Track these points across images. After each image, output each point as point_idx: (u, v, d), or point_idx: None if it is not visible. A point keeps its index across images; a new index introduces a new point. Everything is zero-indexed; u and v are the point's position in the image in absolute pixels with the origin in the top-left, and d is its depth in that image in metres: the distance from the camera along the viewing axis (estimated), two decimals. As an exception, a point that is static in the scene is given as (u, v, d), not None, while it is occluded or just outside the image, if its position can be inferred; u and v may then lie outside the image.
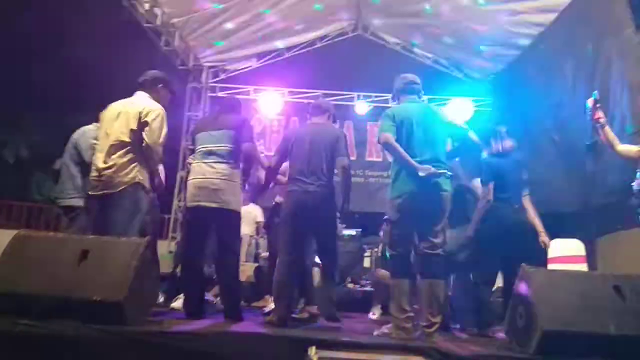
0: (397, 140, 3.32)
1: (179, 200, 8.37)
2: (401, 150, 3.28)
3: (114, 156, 3.51)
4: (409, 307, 3.20)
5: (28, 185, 12.55)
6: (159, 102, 3.75)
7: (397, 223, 3.35)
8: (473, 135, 3.62)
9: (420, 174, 3.19)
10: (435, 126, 3.43)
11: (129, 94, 3.82)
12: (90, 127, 4.33)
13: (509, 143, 4.00)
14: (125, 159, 3.53)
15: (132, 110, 3.60)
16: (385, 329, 3.39)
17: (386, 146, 3.38)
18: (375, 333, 3.35)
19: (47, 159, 5.34)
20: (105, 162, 3.50)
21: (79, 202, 4.16)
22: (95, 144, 3.77)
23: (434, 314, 3.16)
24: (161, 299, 4.79)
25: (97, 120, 4.11)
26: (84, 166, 4.15)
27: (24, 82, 11.36)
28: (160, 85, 3.86)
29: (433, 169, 3.22)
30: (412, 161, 3.24)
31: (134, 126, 3.55)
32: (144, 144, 3.56)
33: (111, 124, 3.59)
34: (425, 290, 3.25)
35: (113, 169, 3.49)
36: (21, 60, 11.08)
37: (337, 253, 3.93)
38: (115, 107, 3.68)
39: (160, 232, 8.76)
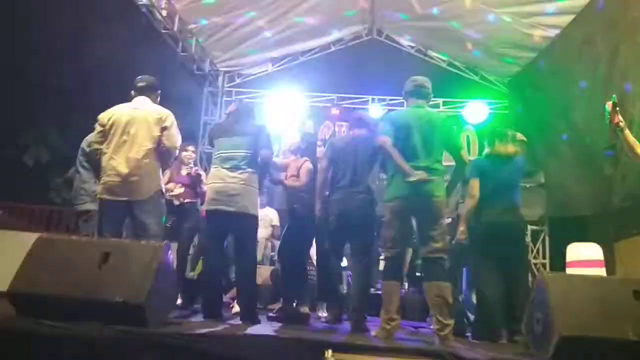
0: (394, 145, 3.40)
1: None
2: (396, 154, 3.36)
3: (140, 162, 3.58)
4: (394, 308, 3.30)
5: (48, 189, 12.76)
6: None
7: (389, 225, 3.44)
8: (465, 154, 3.65)
9: (411, 179, 3.26)
10: (434, 134, 3.46)
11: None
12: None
13: (512, 148, 3.93)
14: (151, 166, 3.63)
15: (151, 117, 3.67)
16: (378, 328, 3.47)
17: (382, 149, 3.47)
18: (373, 334, 3.40)
19: (67, 163, 5.45)
20: (129, 168, 3.55)
21: (92, 206, 4.25)
22: (98, 148, 3.73)
23: (445, 316, 3.19)
24: (179, 300, 4.87)
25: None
26: (95, 171, 4.24)
27: (45, 87, 11.57)
28: (159, 91, 3.95)
29: (424, 175, 3.27)
30: (406, 166, 3.32)
31: (157, 132, 3.64)
32: (163, 149, 3.67)
33: (127, 129, 3.63)
34: (432, 293, 3.29)
35: (139, 176, 3.57)
36: (41, 66, 11.28)
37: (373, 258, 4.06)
38: (125, 112, 3.71)
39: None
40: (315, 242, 4.55)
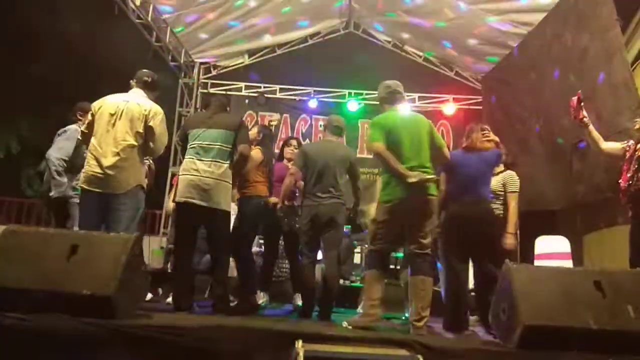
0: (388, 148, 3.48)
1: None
2: (392, 159, 3.43)
3: (120, 156, 3.54)
4: (376, 297, 3.37)
5: (18, 181, 12.49)
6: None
7: (383, 224, 3.50)
8: (446, 152, 3.74)
9: (411, 180, 3.33)
10: (420, 134, 3.57)
11: (118, 88, 3.83)
12: (72, 127, 4.36)
13: (485, 143, 3.99)
14: (131, 161, 3.59)
15: (137, 111, 3.62)
16: (356, 317, 3.51)
17: (378, 155, 3.54)
18: (344, 324, 3.43)
19: (38, 153, 5.34)
20: (110, 161, 3.52)
21: (64, 194, 4.20)
22: (88, 136, 3.69)
23: (425, 309, 3.31)
24: (150, 295, 4.84)
25: (82, 110, 4.13)
26: (67, 162, 4.24)
27: (13, 77, 11.28)
28: (157, 92, 3.92)
29: (423, 175, 3.36)
30: (403, 169, 3.39)
31: (140, 129, 3.61)
32: (150, 148, 3.69)
33: (111, 121, 3.59)
34: (416, 287, 3.40)
35: (119, 169, 3.53)
36: (9, 56, 10.99)
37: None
38: (113, 103, 3.66)
39: (152, 227, 8.79)
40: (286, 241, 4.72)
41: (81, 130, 3.80)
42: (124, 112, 3.60)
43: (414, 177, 3.33)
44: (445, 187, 3.88)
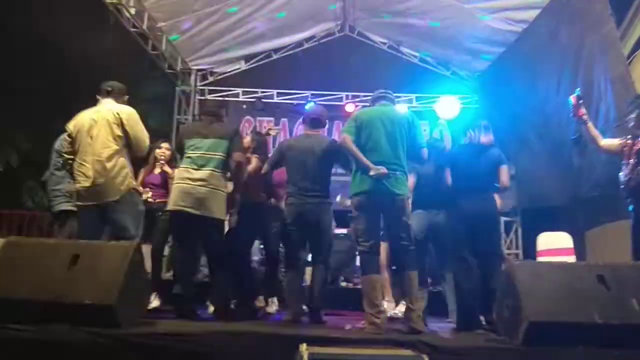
0: (359, 141, 3.51)
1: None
2: (355, 150, 3.47)
3: (105, 164, 3.55)
4: (379, 301, 3.35)
5: (19, 194, 12.48)
6: None
7: (357, 219, 3.54)
8: (423, 152, 3.69)
9: (370, 173, 3.36)
10: (397, 128, 3.54)
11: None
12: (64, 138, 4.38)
13: (485, 137, 3.98)
14: (117, 166, 3.59)
15: (110, 116, 3.65)
16: (359, 324, 3.49)
17: (343, 147, 3.58)
18: (347, 327, 3.41)
19: (38, 166, 5.34)
20: (95, 171, 3.52)
21: (67, 206, 4.21)
22: (69, 158, 3.71)
23: (413, 301, 3.34)
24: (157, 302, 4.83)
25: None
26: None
27: (10, 90, 11.28)
28: (127, 97, 3.95)
29: (383, 170, 3.35)
30: (365, 161, 3.42)
31: (119, 132, 3.64)
32: (133, 148, 3.70)
33: (90, 133, 3.61)
34: (403, 282, 3.44)
35: (106, 177, 3.53)
36: (6, 68, 11.00)
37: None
38: (86, 117, 3.70)
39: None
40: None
41: (64, 154, 3.79)
42: (98, 122, 3.63)
43: (373, 170, 3.36)
44: (451, 182, 3.88)
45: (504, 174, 3.91)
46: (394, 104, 3.82)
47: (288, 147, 4.13)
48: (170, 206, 3.82)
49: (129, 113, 3.72)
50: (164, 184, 4.82)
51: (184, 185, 3.74)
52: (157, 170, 4.90)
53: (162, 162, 4.83)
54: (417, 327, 3.21)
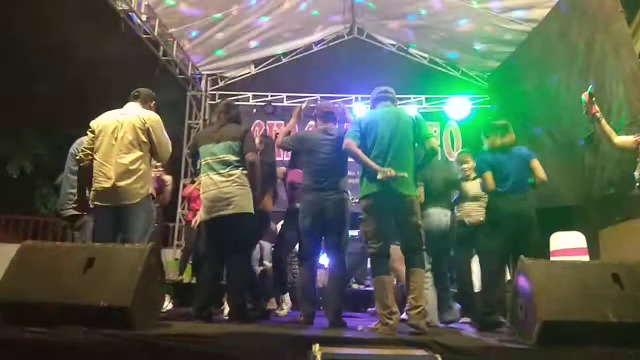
0: (364, 145, 3.50)
1: (183, 208, 8.43)
2: (361, 154, 3.46)
3: (128, 168, 3.58)
4: (391, 303, 3.30)
5: (33, 200, 12.64)
6: None
7: (366, 221, 3.51)
8: (434, 143, 3.62)
9: (378, 176, 3.34)
10: (402, 130, 3.51)
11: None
12: (85, 138, 4.40)
13: (508, 138, 3.96)
14: (139, 171, 3.62)
15: (136, 121, 3.67)
16: (371, 325, 3.47)
17: (347, 152, 3.55)
18: (359, 328, 3.40)
19: (51, 172, 5.41)
20: (117, 173, 3.55)
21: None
22: (89, 154, 3.71)
23: (417, 298, 3.33)
24: (170, 305, 4.87)
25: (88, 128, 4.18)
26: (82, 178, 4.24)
27: (25, 96, 11.45)
28: (153, 102, 3.97)
29: (391, 172, 3.33)
30: (371, 163, 3.41)
31: (144, 137, 3.66)
32: (157, 155, 3.75)
33: (114, 135, 3.63)
34: (415, 280, 3.41)
35: (128, 181, 3.56)
36: (21, 74, 11.16)
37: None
38: (112, 118, 3.71)
39: (166, 240, 8.84)
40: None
41: (84, 149, 3.77)
42: (124, 125, 3.65)
43: (381, 172, 3.34)
44: (492, 186, 3.86)
45: (538, 167, 3.90)
46: (395, 103, 3.78)
47: (305, 138, 4.19)
48: (203, 216, 3.92)
49: (155, 120, 3.75)
50: (159, 188, 4.78)
51: (211, 192, 3.83)
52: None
53: (158, 168, 4.79)
54: (418, 325, 3.20)
